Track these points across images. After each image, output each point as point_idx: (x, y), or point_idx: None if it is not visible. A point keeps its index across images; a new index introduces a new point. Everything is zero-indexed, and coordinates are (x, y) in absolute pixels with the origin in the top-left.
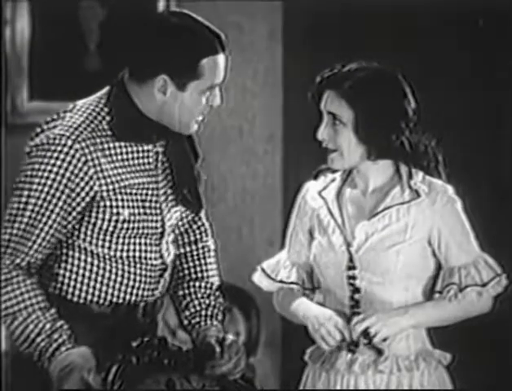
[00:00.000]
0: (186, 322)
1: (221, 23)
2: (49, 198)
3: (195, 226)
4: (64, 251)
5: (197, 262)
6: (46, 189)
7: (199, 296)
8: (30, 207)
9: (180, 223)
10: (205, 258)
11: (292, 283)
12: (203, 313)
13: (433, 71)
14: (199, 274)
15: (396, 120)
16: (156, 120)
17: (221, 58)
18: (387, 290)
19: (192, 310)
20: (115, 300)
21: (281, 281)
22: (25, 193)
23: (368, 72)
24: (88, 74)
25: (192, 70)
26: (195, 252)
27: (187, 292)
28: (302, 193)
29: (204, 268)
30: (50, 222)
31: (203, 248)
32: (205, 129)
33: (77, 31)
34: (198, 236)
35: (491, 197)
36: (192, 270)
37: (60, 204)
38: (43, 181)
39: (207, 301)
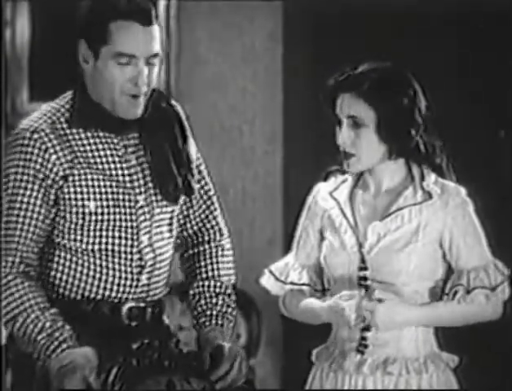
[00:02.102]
0: (194, 321)
1: (221, 23)
2: (21, 191)
3: (208, 226)
4: (47, 249)
5: (209, 261)
6: (17, 184)
7: (207, 295)
8: (7, 205)
9: (192, 223)
10: (217, 257)
11: (303, 284)
12: (208, 312)
13: (433, 71)
14: (209, 274)
15: (414, 118)
16: (100, 104)
17: (135, 26)
18: (398, 291)
19: (199, 310)
20: (91, 295)
21: (292, 283)
22: (4, 193)
23: (382, 72)
24: None
25: (101, 33)
26: (207, 252)
27: (196, 291)
28: (313, 194)
29: (215, 266)
30: (29, 214)
31: (216, 247)
32: (205, 130)
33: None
34: (212, 236)
35: (491, 198)
36: (203, 270)
37: (34, 194)
38: (12, 177)
39: (214, 301)
